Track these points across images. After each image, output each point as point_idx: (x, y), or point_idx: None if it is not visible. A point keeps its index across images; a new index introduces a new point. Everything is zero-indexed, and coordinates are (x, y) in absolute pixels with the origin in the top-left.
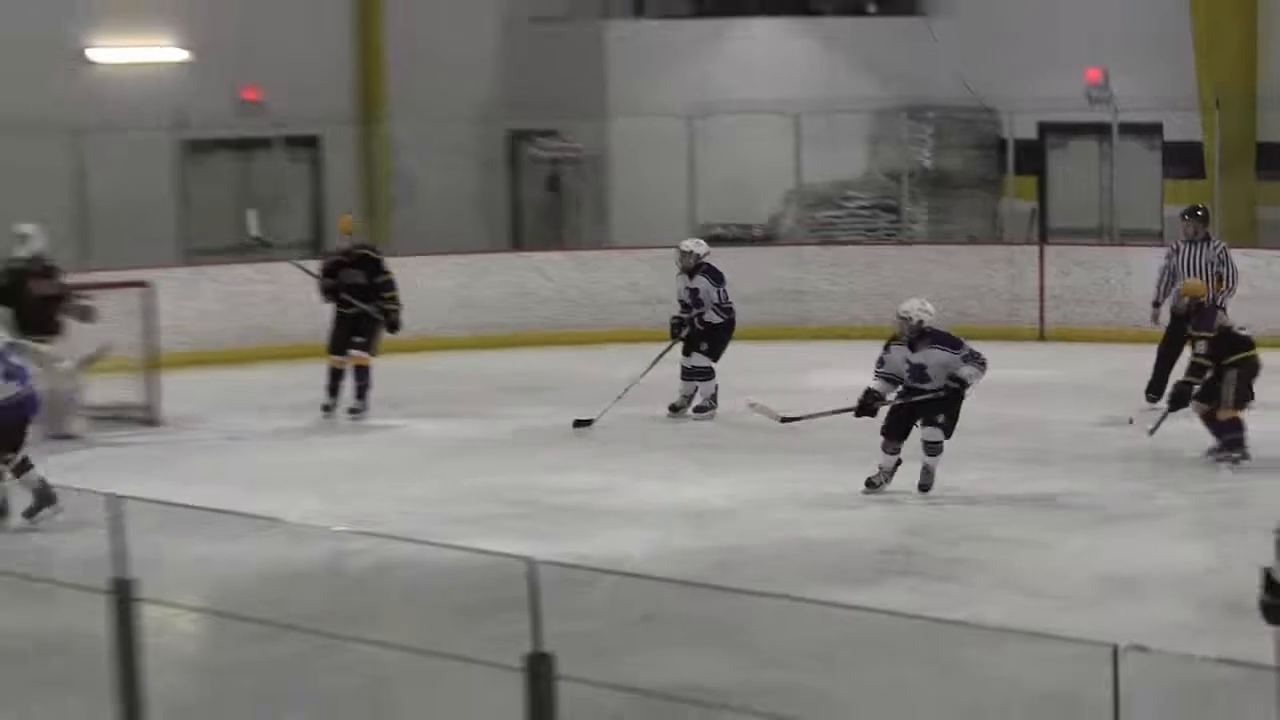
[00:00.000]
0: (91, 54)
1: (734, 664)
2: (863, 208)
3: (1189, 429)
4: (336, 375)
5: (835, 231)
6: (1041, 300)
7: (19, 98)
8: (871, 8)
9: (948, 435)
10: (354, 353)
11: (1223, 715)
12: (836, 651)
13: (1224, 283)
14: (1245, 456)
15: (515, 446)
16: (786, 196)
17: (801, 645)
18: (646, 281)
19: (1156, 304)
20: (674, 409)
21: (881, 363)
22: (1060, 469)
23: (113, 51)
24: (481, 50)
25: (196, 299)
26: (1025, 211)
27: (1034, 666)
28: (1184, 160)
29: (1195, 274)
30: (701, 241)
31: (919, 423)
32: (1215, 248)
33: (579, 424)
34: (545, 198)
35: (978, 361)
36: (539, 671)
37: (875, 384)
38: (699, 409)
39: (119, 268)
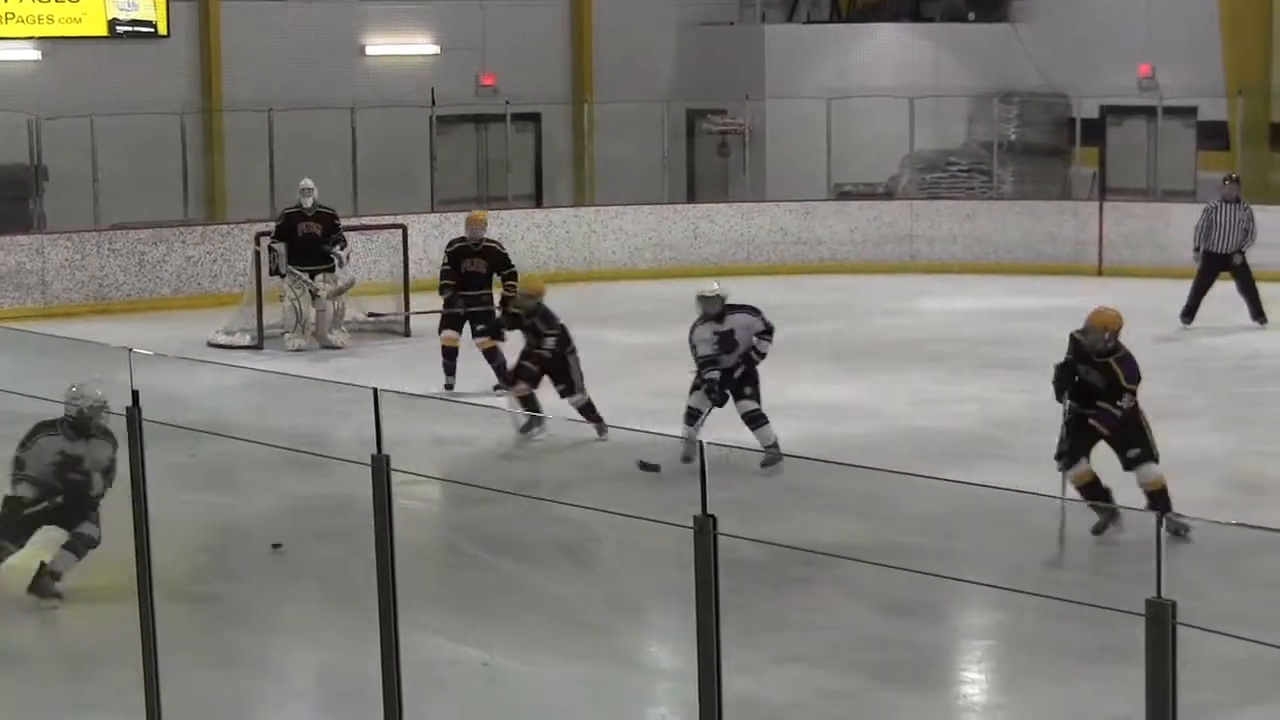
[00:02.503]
0: (367, 48)
1: (863, 528)
2: (961, 171)
3: (1214, 346)
4: (451, 354)
5: (940, 190)
6: (1100, 244)
7: (310, 82)
8: (971, 15)
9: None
10: (478, 340)
11: (1238, 569)
12: (946, 519)
13: (1249, 236)
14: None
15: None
16: (902, 162)
17: (916, 513)
18: (793, 227)
19: (1197, 249)
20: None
21: (694, 346)
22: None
23: (382, 46)
24: (666, 46)
25: (441, 239)
26: (1088, 175)
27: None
28: (1214, 136)
29: (1229, 228)
30: (720, 283)
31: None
32: (1244, 208)
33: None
34: (715, 162)
35: (770, 333)
36: (705, 528)
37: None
38: (765, 463)
39: (382, 214)
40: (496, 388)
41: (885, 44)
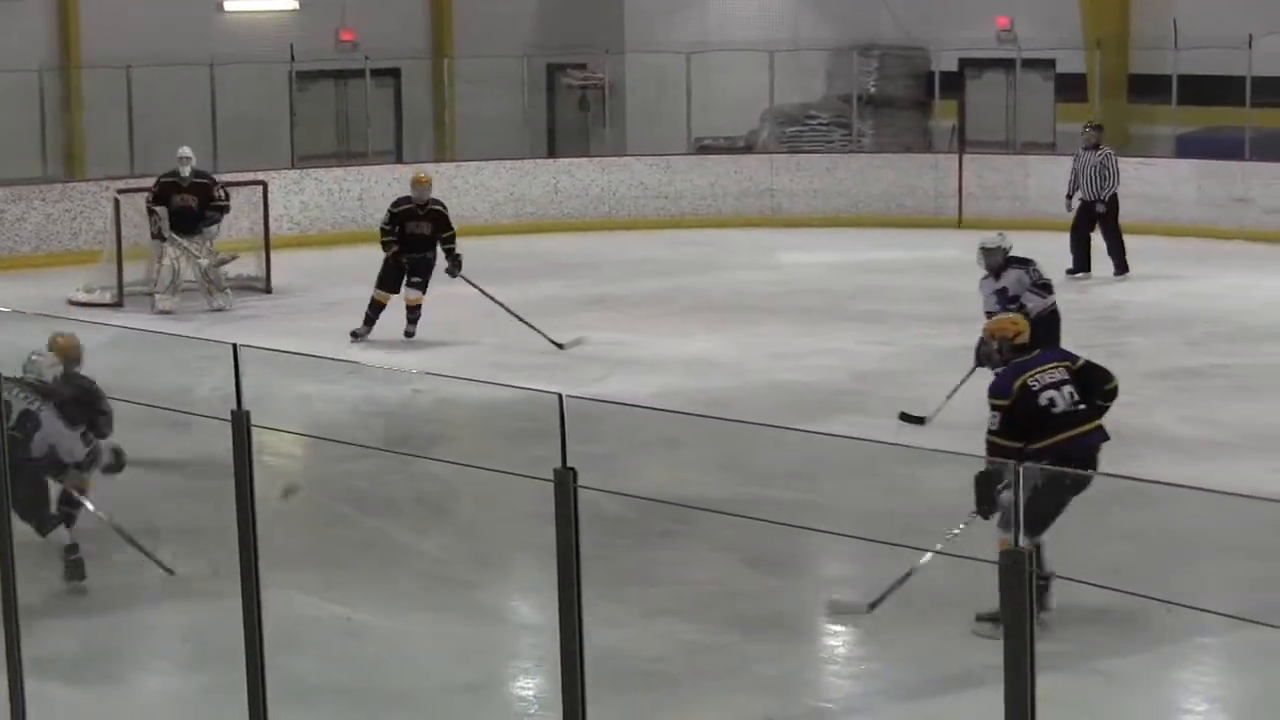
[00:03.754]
0: (225, 4)
1: (726, 481)
2: (822, 124)
3: (1075, 300)
4: (379, 309)
5: (800, 143)
6: (960, 197)
7: (169, 39)
8: None
9: None
10: (410, 293)
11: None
12: (808, 470)
13: (1108, 181)
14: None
15: (550, 310)
16: (762, 115)
17: (778, 466)
18: (653, 182)
19: (1069, 196)
20: None
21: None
22: (977, 326)
23: (241, 2)
24: (525, 1)
25: (301, 194)
26: (948, 128)
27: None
28: (1072, 88)
29: (1091, 175)
30: (1003, 234)
31: None
32: (1103, 154)
33: (908, 418)
34: (575, 117)
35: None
36: (564, 482)
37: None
38: None
39: (242, 170)
40: (408, 334)
41: None
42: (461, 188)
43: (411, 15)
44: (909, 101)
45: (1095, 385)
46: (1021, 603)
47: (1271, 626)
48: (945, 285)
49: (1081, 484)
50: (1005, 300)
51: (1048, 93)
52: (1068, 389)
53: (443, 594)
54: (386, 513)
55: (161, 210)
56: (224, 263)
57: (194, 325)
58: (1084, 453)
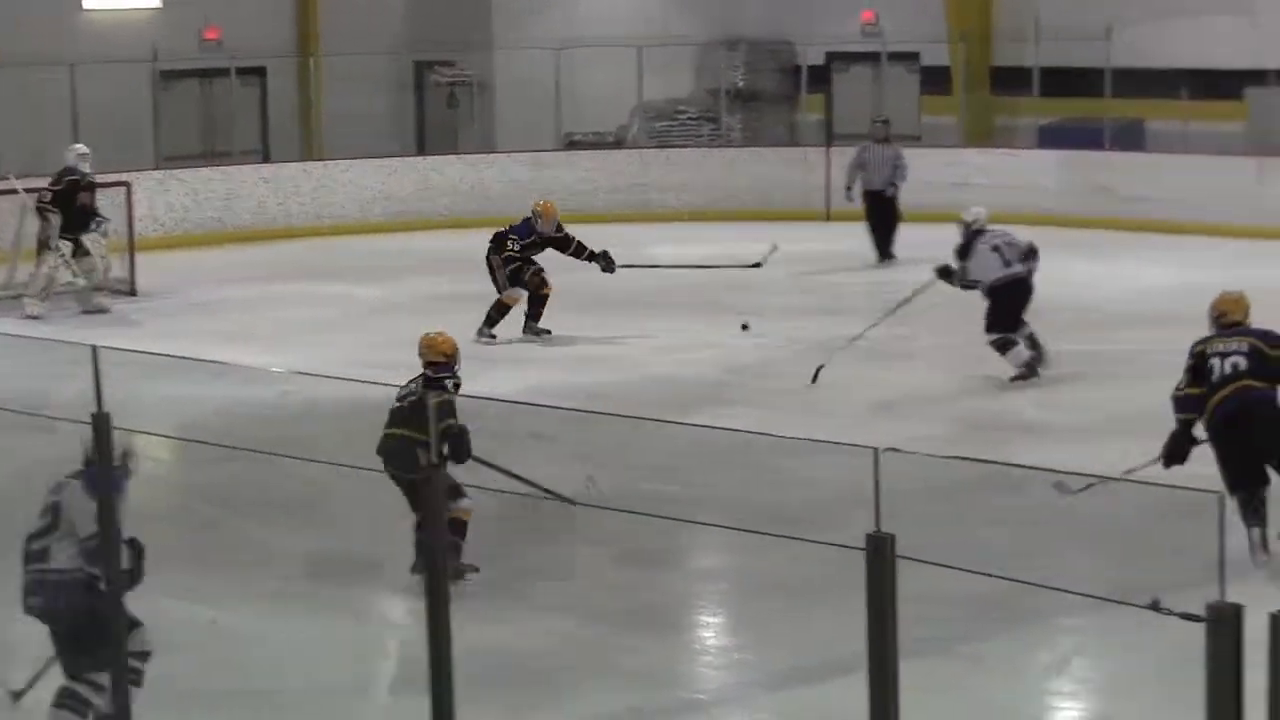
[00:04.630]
0: (85, 3)
1: (604, 476)
2: (691, 119)
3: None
4: (506, 311)
5: (670, 138)
6: (828, 189)
7: (29, 39)
8: None
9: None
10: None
11: (960, 502)
12: (682, 463)
13: (898, 172)
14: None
15: (421, 308)
16: (631, 111)
17: (654, 460)
18: (524, 178)
19: (848, 187)
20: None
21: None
22: (848, 318)
23: (103, 0)
24: None
25: (166, 195)
26: (815, 121)
27: (823, 469)
28: (937, 81)
29: (879, 166)
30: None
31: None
32: (893, 147)
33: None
34: (444, 114)
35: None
36: (433, 479)
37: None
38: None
39: (106, 171)
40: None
41: None
42: (330, 186)
43: (277, 13)
44: (776, 96)
45: None
46: (885, 589)
47: (1133, 606)
48: (814, 278)
49: None
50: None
51: (913, 86)
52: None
53: (313, 595)
54: (256, 514)
55: (55, 218)
56: (100, 261)
57: (60, 329)
58: None
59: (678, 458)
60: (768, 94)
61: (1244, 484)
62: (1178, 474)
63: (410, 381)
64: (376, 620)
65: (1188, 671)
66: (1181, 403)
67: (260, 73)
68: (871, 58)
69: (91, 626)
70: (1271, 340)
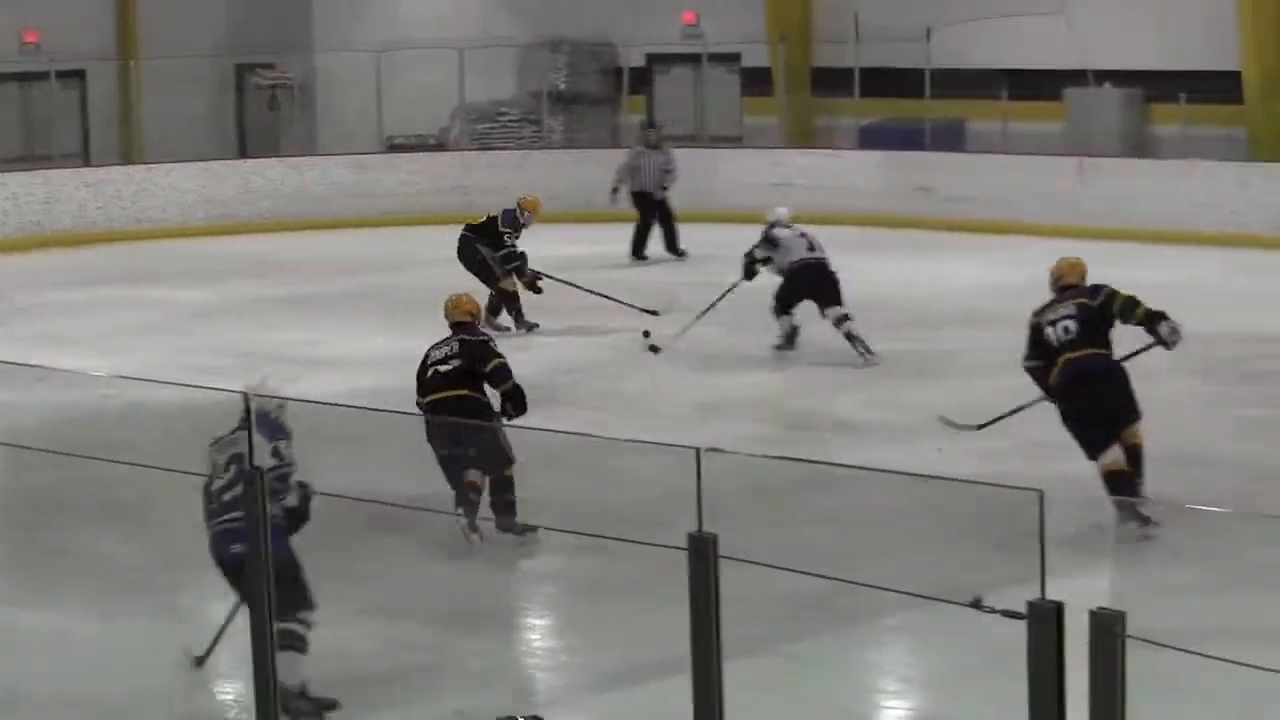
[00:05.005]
0: None
1: (429, 478)
2: (512, 121)
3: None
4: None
5: (492, 140)
6: None
7: None
8: None
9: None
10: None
11: (782, 502)
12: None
13: (669, 175)
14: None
15: (244, 311)
16: (453, 113)
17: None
18: (346, 180)
19: (615, 189)
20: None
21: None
22: (677, 319)
23: None
24: (213, 1)
25: None
26: (637, 123)
27: (648, 470)
28: (758, 82)
29: (649, 170)
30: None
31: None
32: (664, 152)
33: (652, 349)
34: (265, 116)
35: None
36: (253, 481)
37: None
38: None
39: None
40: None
41: None
42: (152, 189)
43: (96, 16)
44: (598, 97)
45: None
46: (707, 588)
47: (953, 604)
48: (645, 279)
49: None
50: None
51: (734, 87)
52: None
53: (139, 599)
54: (80, 520)
55: None
56: None
57: None
58: None
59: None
60: (589, 96)
61: (1098, 447)
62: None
63: (441, 345)
64: (197, 624)
65: (1011, 668)
66: (1031, 374)
67: (80, 76)
68: (692, 59)
69: (291, 566)
70: (1092, 293)
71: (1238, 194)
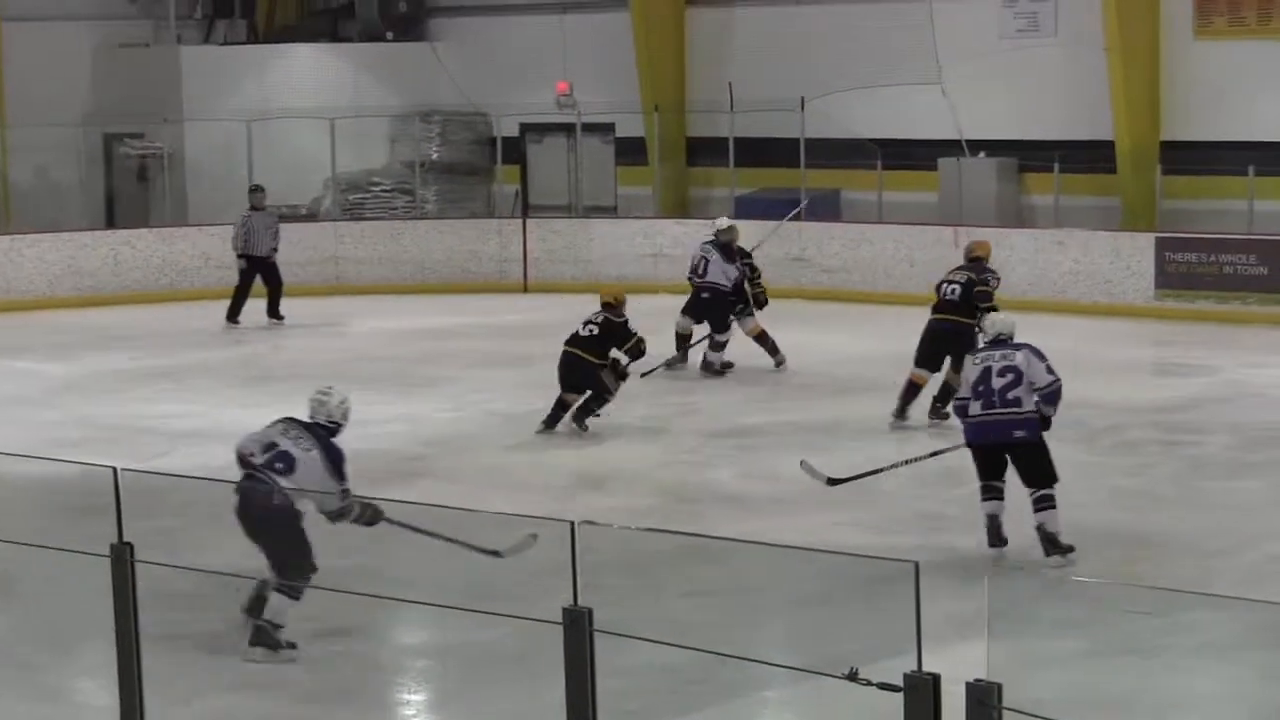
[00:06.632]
0: None
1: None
2: (385, 191)
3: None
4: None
5: (364, 210)
6: (525, 261)
7: None
8: (389, 35)
9: None
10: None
11: (660, 574)
12: (379, 538)
13: (277, 237)
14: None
15: (113, 384)
16: (325, 183)
17: (347, 535)
18: (215, 252)
19: (240, 254)
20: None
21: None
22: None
23: None
24: (82, 68)
25: None
26: (511, 193)
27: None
28: (632, 152)
29: (260, 233)
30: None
31: None
32: (271, 214)
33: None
34: (134, 187)
35: None
36: (121, 557)
37: None
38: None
39: None
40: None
41: (304, 64)
42: (18, 260)
43: None
44: (472, 167)
45: None
46: (583, 662)
47: (832, 677)
48: (512, 349)
49: None
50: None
51: (608, 156)
52: None
53: (5, 677)
54: None
55: None
56: None
57: None
58: None
59: (375, 533)
60: (463, 165)
61: (918, 364)
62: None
63: (592, 318)
64: (67, 702)
65: None
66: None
67: None
68: (566, 128)
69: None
70: (978, 271)
71: (1111, 263)
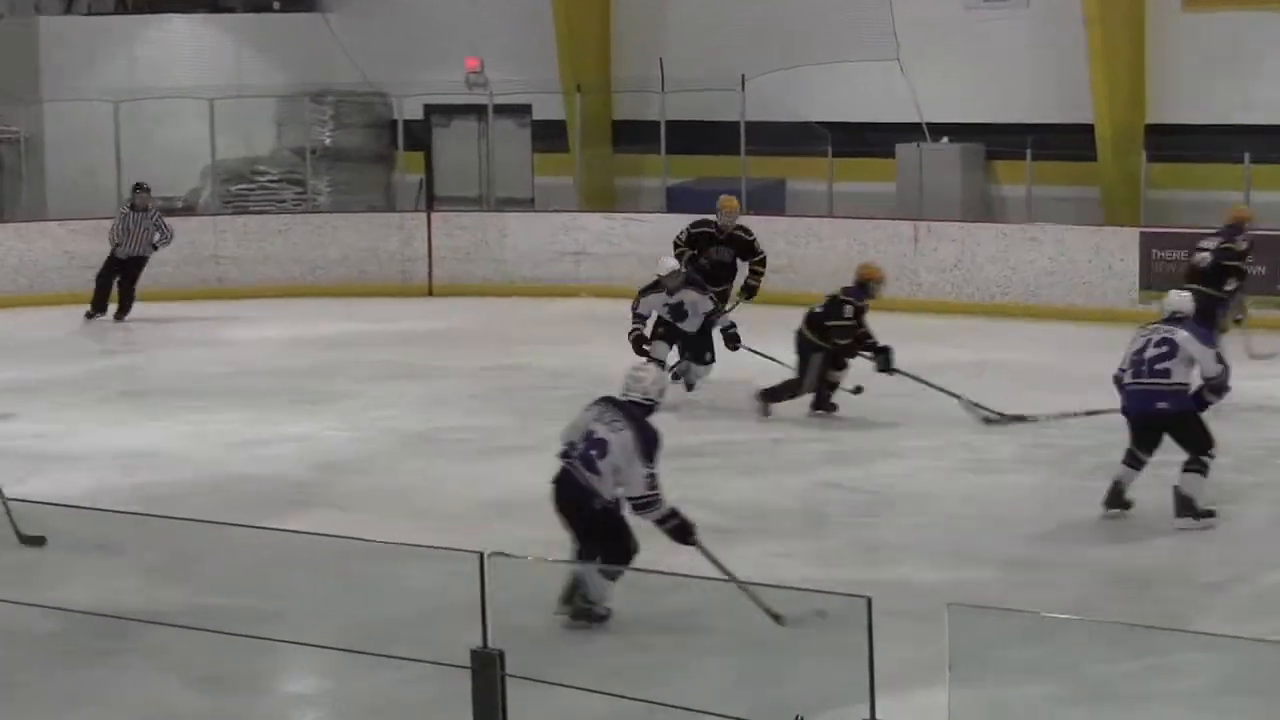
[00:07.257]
0: None
1: (172, 590)
2: (272, 181)
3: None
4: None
5: (248, 203)
6: (430, 260)
7: None
8: (276, 4)
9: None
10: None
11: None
12: (267, 575)
13: (163, 236)
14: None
15: None
16: (203, 172)
17: (233, 570)
18: (80, 250)
19: (117, 246)
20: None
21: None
22: (457, 408)
23: None
24: None
25: None
26: (414, 183)
27: (426, 578)
28: (551, 136)
29: (138, 232)
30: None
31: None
32: (152, 214)
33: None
34: None
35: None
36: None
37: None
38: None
39: None
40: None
41: (179, 37)
42: None
43: None
44: (369, 154)
45: None
46: (493, 704)
47: None
48: (415, 360)
49: None
50: (680, 312)
51: (524, 142)
52: None
53: None
54: None
55: None
56: None
57: None
58: None
59: (256, 568)
60: (359, 152)
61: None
62: (837, 579)
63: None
64: None
65: None
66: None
67: None
68: (477, 110)
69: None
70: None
71: (1090, 261)
